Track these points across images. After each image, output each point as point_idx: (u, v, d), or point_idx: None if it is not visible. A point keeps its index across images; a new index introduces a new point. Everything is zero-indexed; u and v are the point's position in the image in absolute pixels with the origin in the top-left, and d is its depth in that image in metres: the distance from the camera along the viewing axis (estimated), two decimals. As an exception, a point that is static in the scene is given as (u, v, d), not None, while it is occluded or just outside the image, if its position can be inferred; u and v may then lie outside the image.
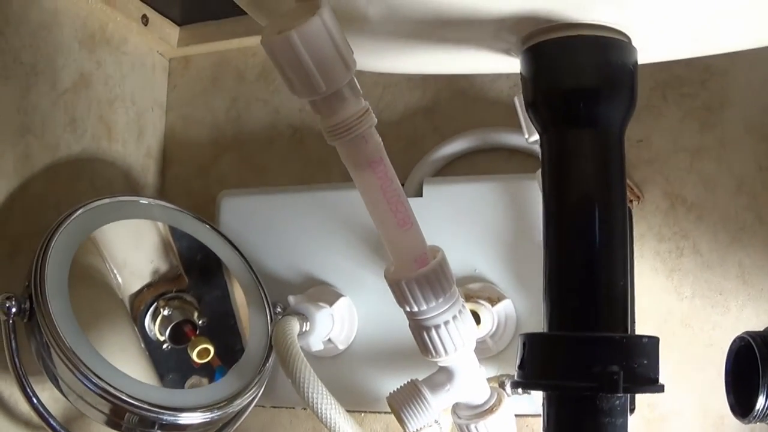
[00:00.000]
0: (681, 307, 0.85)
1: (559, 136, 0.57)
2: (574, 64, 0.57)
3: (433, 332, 0.62)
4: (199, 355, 0.84)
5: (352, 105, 0.56)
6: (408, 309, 0.62)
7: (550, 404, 0.56)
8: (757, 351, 0.59)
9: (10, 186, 0.85)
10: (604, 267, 0.55)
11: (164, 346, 0.84)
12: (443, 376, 0.68)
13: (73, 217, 0.80)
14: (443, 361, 0.65)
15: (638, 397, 0.85)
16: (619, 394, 0.54)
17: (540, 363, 0.56)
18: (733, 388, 0.63)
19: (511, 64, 0.64)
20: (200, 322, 0.86)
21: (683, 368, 0.84)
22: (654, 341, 0.55)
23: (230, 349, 0.86)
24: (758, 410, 0.59)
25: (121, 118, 1.01)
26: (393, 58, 0.72)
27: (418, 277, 0.60)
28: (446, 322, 0.62)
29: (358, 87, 0.57)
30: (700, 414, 0.84)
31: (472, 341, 0.65)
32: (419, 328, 0.63)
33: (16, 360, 0.76)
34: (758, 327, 0.80)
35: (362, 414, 0.95)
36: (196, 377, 0.84)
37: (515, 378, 0.57)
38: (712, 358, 0.83)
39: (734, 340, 0.63)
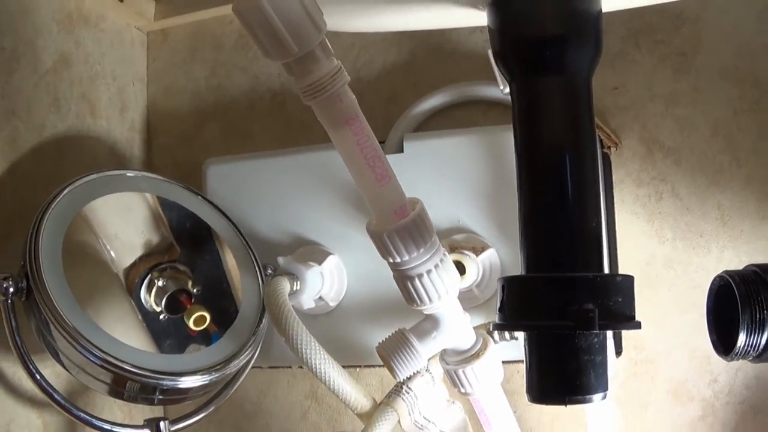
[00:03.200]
0: (663, 250, 0.87)
1: (528, 85, 0.58)
2: (539, 12, 0.58)
3: (417, 281, 0.64)
4: (196, 322, 0.85)
5: (325, 65, 0.58)
6: (391, 260, 0.64)
7: (531, 345, 0.58)
8: (735, 290, 0.60)
9: (-2, 169, 0.86)
10: (577, 208, 0.56)
11: (161, 316, 0.85)
12: (429, 323, 0.69)
13: (62, 195, 0.80)
14: (428, 309, 0.67)
15: (624, 339, 0.87)
16: (596, 332, 0.55)
17: (518, 305, 0.58)
18: (714, 326, 0.64)
19: (481, 17, 0.65)
20: (195, 290, 0.87)
21: (668, 310, 0.86)
22: (629, 279, 0.57)
23: (225, 314, 0.88)
24: (739, 347, 0.60)
25: (103, 95, 1.02)
26: (365, 17, 0.73)
27: (399, 228, 0.62)
28: (429, 271, 0.64)
29: (330, 47, 0.58)
30: (686, 354, 0.86)
31: (455, 289, 0.66)
32: (403, 278, 0.65)
33: (18, 338, 0.77)
34: (739, 267, 0.82)
35: (357, 369, 0.97)
36: (194, 345, 0.85)
37: (496, 320, 0.59)
38: (695, 299, 0.85)
39: (714, 279, 0.63)
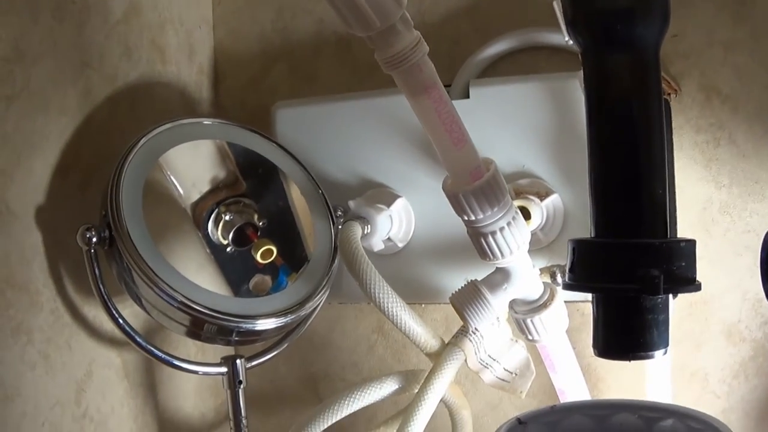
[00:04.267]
0: (719, 195, 0.88)
1: (599, 59, 0.60)
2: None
3: (490, 238, 0.68)
4: (263, 256, 0.88)
5: (406, 37, 0.61)
6: (466, 218, 0.68)
7: (598, 304, 0.62)
8: (786, 244, 0.62)
9: (75, 121, 0.88)
10: (645, 178, 0.59)
11: (228, 249, 0.87)
12: (500, 276, 0.73)
13: (140, 145, 0.83)
14: (501, 263, 0.70)
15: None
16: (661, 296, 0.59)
17: (588, 267, 0.61)
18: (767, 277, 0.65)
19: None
20: (260, 223, 0.89)
21: (722, 253, 0.88)
22: (691, 244, 0.59)
23: (293, 250, 0.90)
24: (791, 300, 0.62)
25: (171, 40, 1.03)
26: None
27: (474, 189, 0.65)
28: (501, 228, 0.67)
29: (410, 20, 0.61)
30: (739, 296, 0.88)
31: (525, 244, 0.70)
32: (477, 234, 0.69)
33: (101, 286, 0.81)
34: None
35: (423, 305, 1.01)
36: (260, 275, 0.88)
37: (566, 280, 0.63)
38: (749, 243, 0.87)
39: (767, 234, 0.65)
